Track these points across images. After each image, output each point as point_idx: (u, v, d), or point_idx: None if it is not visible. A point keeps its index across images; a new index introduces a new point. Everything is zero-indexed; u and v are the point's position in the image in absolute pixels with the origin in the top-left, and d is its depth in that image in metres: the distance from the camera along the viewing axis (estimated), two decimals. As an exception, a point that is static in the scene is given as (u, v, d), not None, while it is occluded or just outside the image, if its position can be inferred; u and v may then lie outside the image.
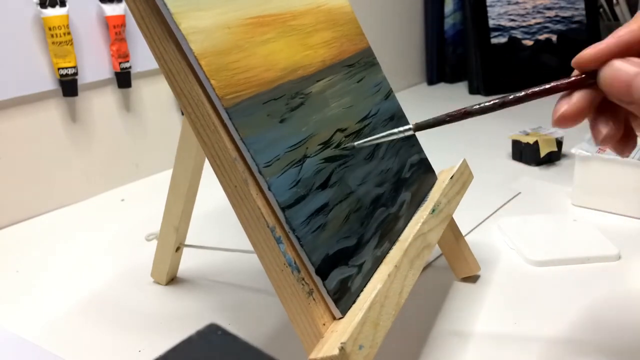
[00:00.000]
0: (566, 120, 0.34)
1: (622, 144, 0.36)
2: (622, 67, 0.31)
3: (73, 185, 0.94)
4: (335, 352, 0.31)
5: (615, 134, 0.35)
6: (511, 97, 0.37)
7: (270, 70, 0.43)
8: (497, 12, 1.49)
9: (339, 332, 0.34)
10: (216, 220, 0.83)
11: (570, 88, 0.35)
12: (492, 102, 0.38)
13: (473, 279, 0.65)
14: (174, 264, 0.67)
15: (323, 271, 0.37)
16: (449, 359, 0.52)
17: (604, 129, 0.34)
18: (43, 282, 0.70)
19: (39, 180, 0.90)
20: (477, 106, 0.38)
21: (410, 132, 0.42)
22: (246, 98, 0.39)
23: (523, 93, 0.37)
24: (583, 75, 0.34)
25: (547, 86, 0.35)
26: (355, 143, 0.46)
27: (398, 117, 0.57)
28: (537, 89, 0.36)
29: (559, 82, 0.35)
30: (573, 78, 0.35)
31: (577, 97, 0.34)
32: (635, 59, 0.31)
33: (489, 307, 0.60)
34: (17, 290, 0.68)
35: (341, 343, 0.31)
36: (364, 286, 0.40)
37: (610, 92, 0.32)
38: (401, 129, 0.43)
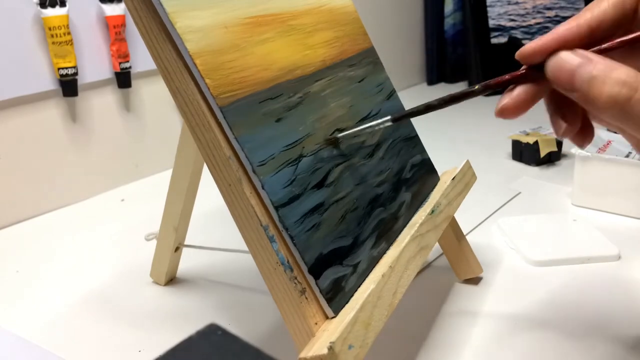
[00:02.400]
0: (506, 112, 0.37)
1: (581, 135, 0.38)
2: (568, 57, 0.33)
3: (73, 185, 0.94)
4: (324, 351, 0.31)
5: (574, 127, 0.37)
6: (474, 88, 0.39)
7: (268, 69, 0.42)
8: (497, 12, 1.49)
9: (330, 331, 0.33)
10: (216, 220, 0.83)
11: (517, 82, 0.37)
12: (450, 96, 0.40)
13: (474, 279, 0.65)
14: (173, 264, 0.67)
15: (316, 270, 0.37)
16: (448, 359, 0.52)
17: (563, 123, 0.37)
18: (43, 282, 0.70)
19: (39, 180, 0.90)
20: (438, 99, 0.40)
21: (389, 123, 0.44)
22: (242, 97, 0.39)
23: (480, 85, 0.38)
24: (524, 69, 0.36)
25: (496, 80, 0.37)
26: (339, 135, 0.46)
27: (399, 118, 0.57)
28: (491, 81, 0.38)
29: (505, 77, 0.37)
30: (518, 72, 0.37)
31: (518, 91, 0.36)
32: (581, 51, 0.33)
33: (489, 307, 0.60)
34: (17, 290, 0.69)
35: (330, 342, 0.31)
36: (359, 286, 0.40)
37: (555, 80, 0.34)
38: (380, 120, 0.44)
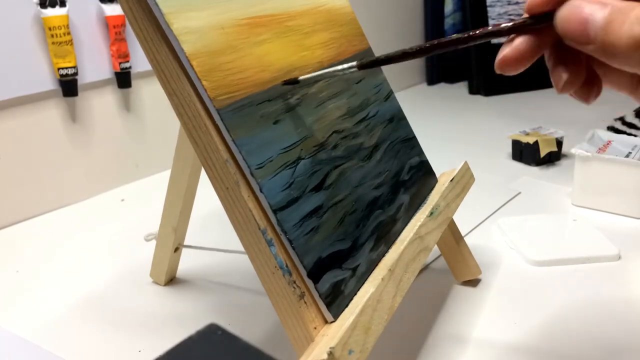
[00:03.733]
0: (507, 64, 0.32)
1: (586, 89, 0.33)
2: (578, 5, 0.29)
3: (73, 185, 0.94)
4: (324, 356, 0.30)
5: (577, 79, 0.33)
6: (449, 38, 0.35)
7: (265, 71, 0.42)
8: (497, 12, 1.49)
9: (330, 336, 0.33)
10: (215, 221, 0.83)
11: (517, 32, 0.32)
12: (429, 44, 0.36)
13: (473, 281, 0.65)
14: (173, 264, 0.67)
15: (315, 274, 0.37)
16: (445, 361, 0.52)
17: (564, 75, 0.32)
18: (43, 282, 0.70)
19: (39, 180, 0.90)
20: (415, 47, 0.38)
21: (354, 69, 0.41)
22: (239, 99, 0.39)
23: (465, 34, 0.34)
24: (528, 18, 0.32)
25: (491, 29, 0.33)
26: (300, 77, 0.43)
27: (398, 119, 0.57)
28: (478, 31, 0.34)
29: (507, 24, 0.33)
30: (521, 19, 0.33)
31: (519, 41, 0.32)
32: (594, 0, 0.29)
33: (489, 307, 0.60)
34: (17, 290, 0.69)
35: (330, 348, 0.31)
36: (358, 289, 0.40)
37: (566, 32, 0.30)
38: (345, 65, 0.41)
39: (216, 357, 0.23)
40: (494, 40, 1.45)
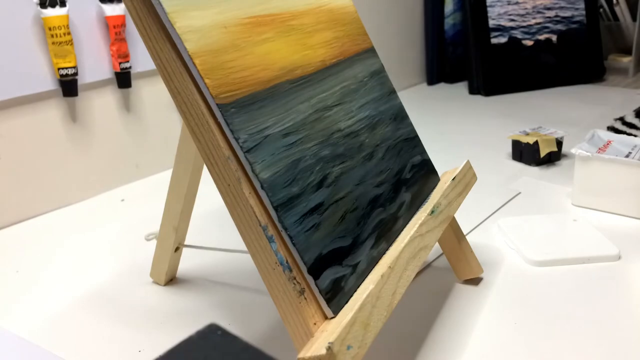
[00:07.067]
0: None
1: None
2: None
3: (73, 185, 0.94)
4: (323, 351, 0.31)
5: None
6: None
7: (267, 69, 0.42)
8: (497, 12, 1.49)
9: (329, 331, 0.33)
10: (216, 221, 0.83)
11: None
12: None
13: (474, 280, 0.65)
14: (173, 264, 0.67)
15: (315, 271, 0.37)
16: (448, 359, 0.52)
17: None
18: (43, 282, 0.70)
19: (39, 180, 0.90)
20: None
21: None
22: (241, 97, 0.39)
23: None
24: None
25: None
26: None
27: (401, 117, 0.57)
28: None
29: None
30: None
31: None
32: None
33: (489, 307, 0.60)
34: (17, 290, 0.69)
35: (329, 343, 0.31)
36: (358, 286, 0.40)
37: None
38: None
39: (216, 357, 0.23)
40: (494, 40, 1.46)
